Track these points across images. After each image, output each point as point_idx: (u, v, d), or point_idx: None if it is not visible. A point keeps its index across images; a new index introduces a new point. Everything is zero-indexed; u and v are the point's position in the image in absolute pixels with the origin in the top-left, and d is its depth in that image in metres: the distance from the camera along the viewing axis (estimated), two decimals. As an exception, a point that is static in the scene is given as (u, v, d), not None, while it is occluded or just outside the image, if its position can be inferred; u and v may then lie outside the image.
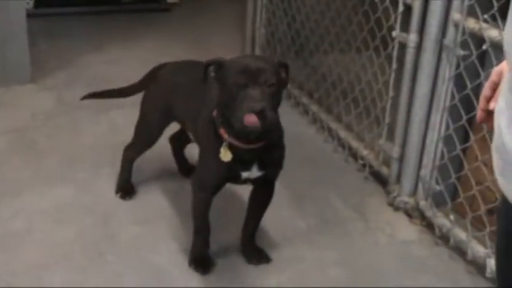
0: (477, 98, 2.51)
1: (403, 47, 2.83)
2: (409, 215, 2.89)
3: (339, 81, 3.57)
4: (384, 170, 3.07)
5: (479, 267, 2.54)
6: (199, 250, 2.50)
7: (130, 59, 4.36)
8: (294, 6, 3.90)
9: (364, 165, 3.20)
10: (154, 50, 4.49)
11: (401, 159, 2.93)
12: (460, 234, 2.61)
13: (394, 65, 2.95)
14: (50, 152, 3.24)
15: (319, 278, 2.51)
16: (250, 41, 4.38)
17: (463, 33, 2.51)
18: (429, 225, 2.79)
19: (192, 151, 2.89)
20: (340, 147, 3.41)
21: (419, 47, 2.73)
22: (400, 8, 2.83)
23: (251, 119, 2.03)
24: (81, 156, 3.21)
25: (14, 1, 3.76)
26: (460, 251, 2.63)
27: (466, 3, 2.46)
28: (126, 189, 2.91)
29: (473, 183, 2.59)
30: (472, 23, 2.46)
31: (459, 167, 2.72)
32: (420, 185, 2.83)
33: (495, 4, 2.34)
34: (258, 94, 2.06)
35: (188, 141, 2.85)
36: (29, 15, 4.02)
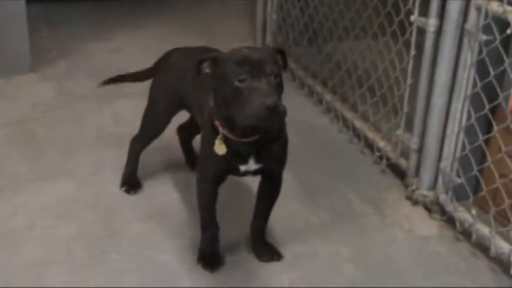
0: (500, 86, 2.51)
1: (422, 32, 2.81)
2: (428, 209, 2.87)
3: (354, 68, 3.55)
4: (402, 162, 3.05)
5: (502, 264, 2.52)
6: (208, 246, 2.49)
7: (134, 46, 4.36)
8: (306, -10, 3.88)
9: (380, 157, 3.19)
10: (159, 37, 4.48)
11: (420, 150, 2.91)
12: (483, 229, 2.59)
13: (413, 51, 2.93)
14: (51, 144, 3.24)
15: (333, 275, 2.50)
16: (261, 27, 4.36)
17: (486, 16, 2.48)
18: (450, 220, 2.77)
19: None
20: (356, 138, 3.40)
21: (439, 32, 2.71)
22: (419, -10, 2.81)
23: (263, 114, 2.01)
24: (83, 148, 3.21)
25: (12, -14, 3.77)
26: (482, 247, 2.61)
27: (489, -16, 2.44)
28: (131, 183, 2.91)
29: (497, 175, 2.57)
30: (495, 6, 2.43)
31: (481, 158, 2.70)
32: (440, 178, 2.81)
33: (520, -15, 2.32)
34: (266, 87, 2.04)
35: (197, 131, 2.84)
36: (29, 2, 4.01)
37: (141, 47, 4.26)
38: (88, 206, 2.80)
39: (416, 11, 2.84)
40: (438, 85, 2.73)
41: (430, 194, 2.86)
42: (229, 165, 2.30)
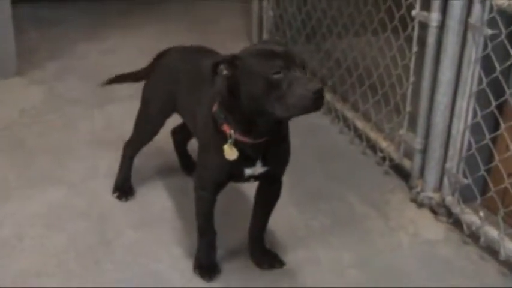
0: (507, 82, 2.50)
1: (424, 27, 2.80)
2: (434, 211, 2.87)
3: (355, 66, 3.54)
4: (406, 163, 3.04)
5: (512, 267, 2.52)
6: (205, 254, 2.48)
7: (127, 47, 4.36)
8: (304, -15, 3.88)
9: (383, 158, 3.18)
10: (153, 36, 4.48)
11: (424, 150, 2.91)
12: (491, 231, 2.58)
13: (415, 48, 2.92)
14: (41, 151, 3.23)
15: (336, 282, 2.48)
16: (257, 25, 4.37)
17: (491, 10, 2.47)
18: (457, 223, 2.76)
19: (197, 146, 2.87)
20: (357, 139, 3.39)
21: (442, 27, 2.70)
22: (420, -16, 2.80)
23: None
24: (74, 154, 3.20)
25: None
26: (491, 250, 2.60)
27: (493, -24, 2.43)
28: (123, 189, 2.90)
29: (505, 175, 2.56)
30: (500, -1, 2.42)
31: (489, 158, 2.69)
32: (446, 179, 2.80)
33: (525, -23, 2.30)
34: (304, 75, 2.06)
35: (192, 135, 2.83)
36: (15, 1, 4.00)
37: (135, 47, 4.25)
38: (80, 214, 2.79)
39: (418, 5, 2.82)
40: (442, 82, 2.73)
41: (436, 196, 2.85)
42: (235, 171, 2.28)
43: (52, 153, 3.20)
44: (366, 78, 3.41)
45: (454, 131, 2.72)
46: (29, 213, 2.78)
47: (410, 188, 2.98)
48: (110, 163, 3.02)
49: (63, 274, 2.46)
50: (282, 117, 2.10)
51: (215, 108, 2.23)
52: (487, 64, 2.54)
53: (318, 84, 2.03)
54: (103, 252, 2.57)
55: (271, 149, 2.27)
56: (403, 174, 3.08)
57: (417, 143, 2.93)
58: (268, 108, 2.07)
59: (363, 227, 2.79)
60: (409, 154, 3.03)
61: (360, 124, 3.38)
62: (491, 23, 2.48)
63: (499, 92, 2.53)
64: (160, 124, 2.74)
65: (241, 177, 2.31)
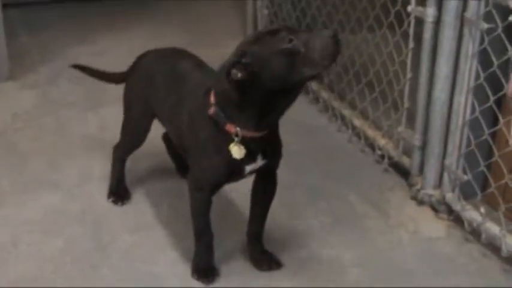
0: (505, 76, 2.51)
1: (420, 22, 2.81)
2: (434, 209, 2.87)
3: (351, 64, 3.55)
4: (405, 161, 3.05)
5: (515, 264, 2.53)
6: (203, 257, 2.48)
7: (120, 49, 4.35)
8: (298, -18, 3.88)
9: (382, 156, 3.19)
10: (146, 39, 4.48)
11: (423, 147, 2.91)
12: (493, 228, 2.58)
13: (411, 43, 2.93)
14: (34, 155, 3.23)
15: (338, 281, 2.49)
16: (251, 24, 4.38)
17: (487, 4, 2.48)
18: (457, 220, 2.77)
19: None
20: (355, 137, 3.40)
21: (438, 22, 2.71)
22: (416, -21, 2.81)
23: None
24: (68, 159, 3.20)
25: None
26: (493, 247, 2.61)
27: (489, -30, 2.44)
28: (118, 193, 2.90)
29: (505, 170, 2.57)
30: (496, -8, 2.43)
31: (488, 153, 2.69)
32: (446, 176, 2.80)
33: (521, -30, 2.31)
34: (310, 30, 2.17)
35: None
36: (6, 5, 4.02)
37: (127, 49, 4.23)
38: (75, 219, 2.79)
39: (413, 0, 2.83)
40: (439, 78, 2.74)
41: (436, 193, 2.86)
42: (236, 169, 2.29)
43: (46, 157, 3.20)
44: (362, 76, 3.42)
45: (452, 127, 2.73)
46: (24, 218, 2.79)
47: (410, 185, 2.99)
48: (104, 166, 3.01)
49: (59, 279, 2.47)
50: (315, 75, 2.13)
51: (212, 110, 2.23)
52: (484, 59, 2.54)
53: (331, 29, 2.09)
54: (99, 257, 2.57)
55: (269, 142, 2.30)
56: (403, 171, 3.09)
57: (416, 140, 2.94)
58: (298, 76, 2.09)
59: (363, 226, 2.80)
60: (407, 151, 3.03)
61: (357, 122, 3.39)
62: (488, 17, 2.48)
63: (497, 87, 2.53)
64: (145, 129, 2.74)
65: (241, 175, 2.33)
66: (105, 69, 3.03)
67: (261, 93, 2.13)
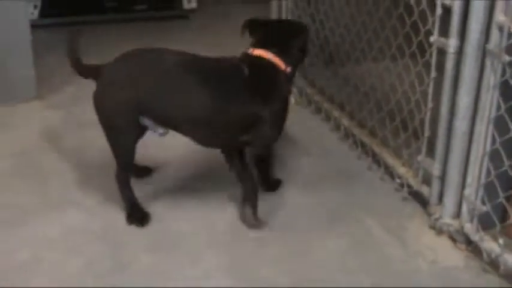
0: (525, 108, 2.52)
1: (442, 53, 2.82)
2: (453, 239, 2.88)
3: (373, 92, 3.57)
4: (424, 190, 3.06)
5: (533, 296, 2.52)
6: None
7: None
8: (321, 10, 3.91)
9: (401, 185, 3.20)
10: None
11: (443, 177, 2.92)
12: (511, 259, 2.59)
13: (433, 73, 2.93)
14: (58, 175, 3.29)
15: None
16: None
17: (509, 36, 2.49)
18: (476, 250, 2.77)
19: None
20: (375, 165, 3.41)
21: (460, 53, 2.73)
22: (438, 10, 2.82)
23: None
24: (91, 178, 3.25)
25: (17, 11, 3.83)
26: (511, 278, 2.61)
27: (512, 3, 2.46)
28: (136, 216, 2.93)
29: (524, 202, 2.57)
30: (518, 25, 2.45)
31: (508, 184, 2.69)
32: (465, 206, 2.81)
33: (543, 4, 2.34)
34: None
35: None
36: (34, 26, 4.08)
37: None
38: (97, 238, 2.84)
39: (436, 31, 2.84)
40: (460, 108, 2.74)
41: (455, 223, 2.86)
42: None
43: (69, 176, 3.26)
44: (384, 104, 3.43)
45: (472, 157, 2.73)
46: (47, 237, 2.83)
47: (429, 214, 2.99)
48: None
49: (80, 298, 2.51)
50: None
51: (288, 69, 2.91)
52: (505, 90, 2.56)
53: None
54: (120, 277, 2.61)
55: None
56: (422, 200, 3.09)
57: (435, 169, 2.95)
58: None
59: (381, 253, 2.81)
60: (427, 180, 3.03)
61: (377, 150, 3.39)
62: (510, 50, 2.49)
63: (517, 118, 2.55)
64: (137, 137, 2.83)
65: None
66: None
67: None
